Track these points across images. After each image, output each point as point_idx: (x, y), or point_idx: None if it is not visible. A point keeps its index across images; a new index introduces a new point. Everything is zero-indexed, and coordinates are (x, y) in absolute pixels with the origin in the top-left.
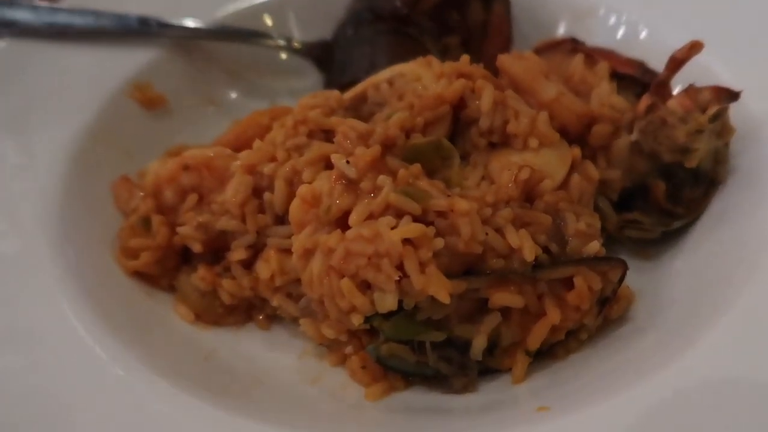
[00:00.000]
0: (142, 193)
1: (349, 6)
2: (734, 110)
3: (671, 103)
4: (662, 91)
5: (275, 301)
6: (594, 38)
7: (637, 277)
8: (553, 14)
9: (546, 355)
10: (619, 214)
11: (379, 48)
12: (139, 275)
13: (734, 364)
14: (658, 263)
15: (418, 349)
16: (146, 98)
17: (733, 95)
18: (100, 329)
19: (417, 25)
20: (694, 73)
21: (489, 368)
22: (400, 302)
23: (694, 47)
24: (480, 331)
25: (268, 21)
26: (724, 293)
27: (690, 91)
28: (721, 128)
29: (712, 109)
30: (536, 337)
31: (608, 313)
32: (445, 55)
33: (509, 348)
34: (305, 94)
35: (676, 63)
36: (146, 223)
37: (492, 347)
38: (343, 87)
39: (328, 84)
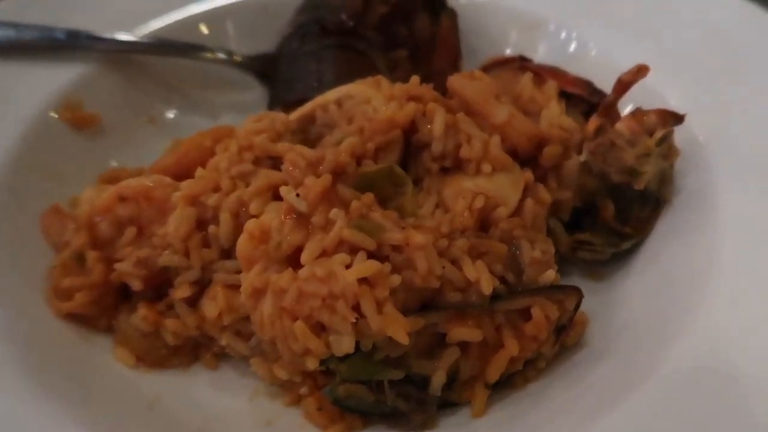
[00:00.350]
0: (74, 226)
1: (293, 19)
2: (678, 132)
3: (619, 126)
4: (610, 113)
5: (224, 340)
6: (543, 54)
7: (590, 298)
8: (502, 28)
9: (504, 385)
10: (571, 234)
11: (325, 63)
12: (74, 316)
13: (689, 384)
14: (609, 283)
15: (376, 387)
16: (76, 118)
17: (678, 118)
18: (28, 382)
19: (364, 38)
20: (641, 95)
21: (448, 402)
22: (357, 343)
23: (641, 71)
24: (439, 366)
25: (205, 31)
26: (674, 313)
27: (637, 114)
28: (667, 150)
29: (659, 133)
30: (495, 370)
31: (565, 340)
32: (393, 69)
33: (468, 381)
34: (250, 108)
35: (623, 86)
36: (80, 259)
37: (451, 381)
38: (289, 105)
39: (273, 101)
